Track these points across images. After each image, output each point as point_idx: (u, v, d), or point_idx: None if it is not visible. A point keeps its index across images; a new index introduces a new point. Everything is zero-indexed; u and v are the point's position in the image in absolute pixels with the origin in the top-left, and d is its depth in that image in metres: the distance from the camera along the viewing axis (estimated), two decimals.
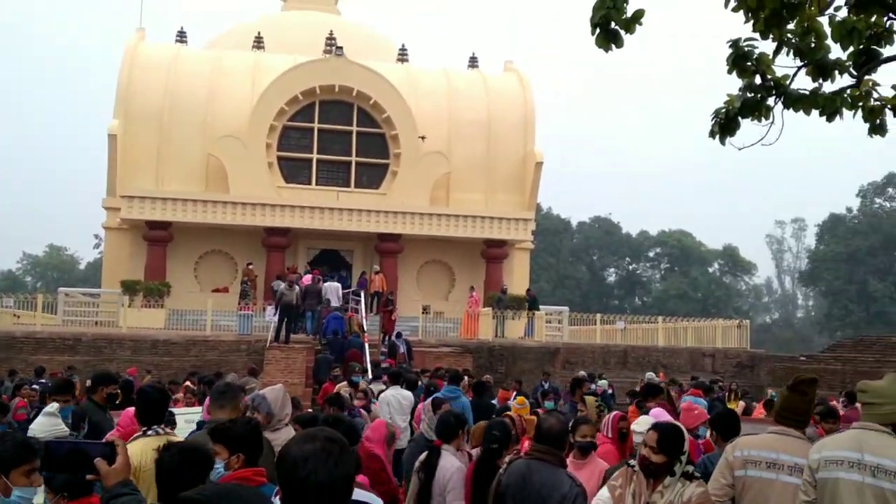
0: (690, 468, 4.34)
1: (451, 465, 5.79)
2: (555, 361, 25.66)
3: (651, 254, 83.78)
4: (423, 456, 6.05)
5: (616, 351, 28.01)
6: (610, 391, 20.44)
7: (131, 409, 5.95)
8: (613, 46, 6.66)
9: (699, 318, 37.39)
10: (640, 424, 6.40)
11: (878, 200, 70.76)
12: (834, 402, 12.17)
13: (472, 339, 26.74)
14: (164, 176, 30.78)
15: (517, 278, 33.16)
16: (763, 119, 7.34)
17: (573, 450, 5.95)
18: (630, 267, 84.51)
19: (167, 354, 23.18)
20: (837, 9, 6.70)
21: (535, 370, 24.08)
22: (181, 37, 34.46)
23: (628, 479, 4.32)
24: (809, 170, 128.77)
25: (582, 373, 19.38)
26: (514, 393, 13.55)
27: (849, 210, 71.19)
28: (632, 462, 4.42)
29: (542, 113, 66.91)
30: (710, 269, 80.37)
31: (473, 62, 35.91)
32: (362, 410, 10.35)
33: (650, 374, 19.35)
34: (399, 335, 22.97)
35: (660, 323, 31.45)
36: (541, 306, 31.35)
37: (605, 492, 4.34)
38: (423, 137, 30.12)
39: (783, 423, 4.75)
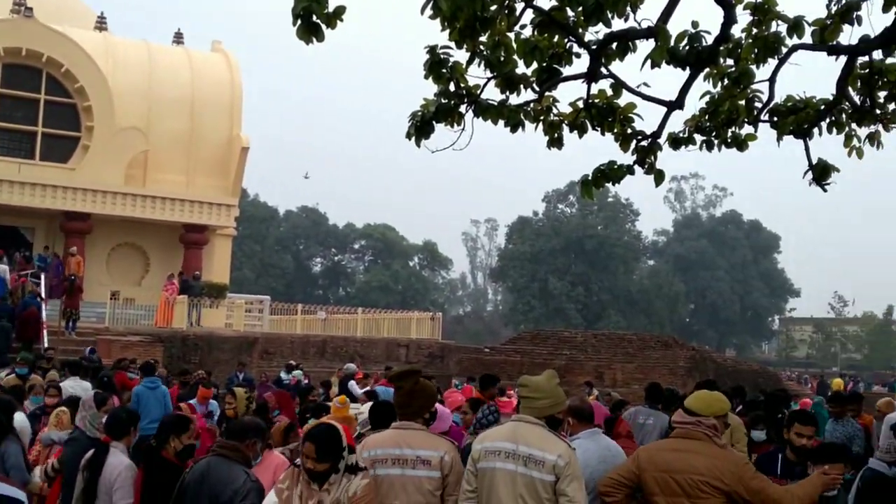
0: (354, 458, 4.36)
1: (120, 462, 5.45)
2: (253, 351, 25.20)
3: (356, 246, 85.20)
4: (89, 454, 5.62)
5: (316, 341, 28.10)
6: (306, 381, 20.46)
7: None
8: (314, 39, 6.60)
9: (398, 309, 38.63)
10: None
11: (560, 206, 77.32)
12: (511, 392, 12.98)
13: (166, 328, 25.54)
14: None
15: (218, 265, 32.15)
16: (456, 125, 7.65)
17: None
18: (336, 258, 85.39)
19: None
20: (523, 27, 7.12)
21: (231, 360, 23.48)
22: None
23: (295, 480, 4.26)
24: (504, 174, 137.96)
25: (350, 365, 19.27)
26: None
27: (535, 214, 77.14)
28: (298, 462, 4.36)
29: (253, 97, 65.44)
30: (411, 263, 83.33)
31: (179, 38, 34.12)
32: None
33: (350, 366, 19.55)
34: None
35: (359, 314, 32.05)
36: (242, 295, 30.66)
37: (272, 496, 4.25)
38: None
39: (403, 418, 4.86)
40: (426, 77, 7.40)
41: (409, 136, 7.65)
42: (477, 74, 7.42)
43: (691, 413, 4.69)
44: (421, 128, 7.62)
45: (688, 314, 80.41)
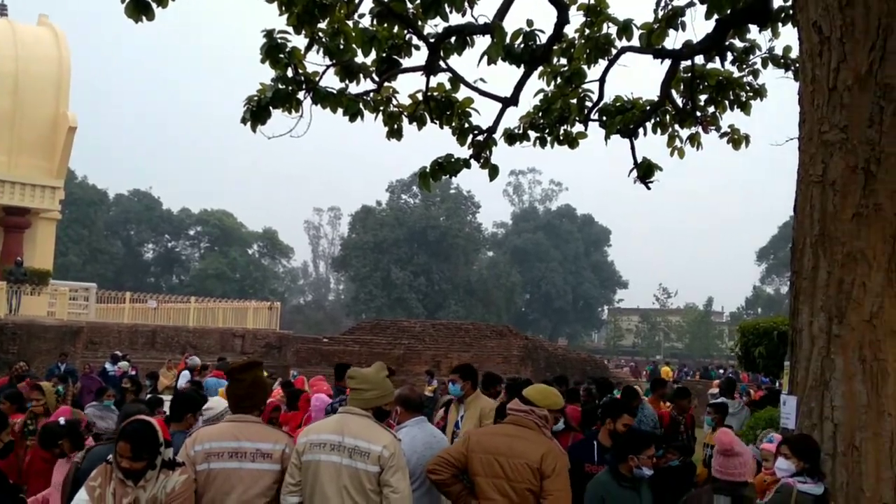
0: (170, 454, 4.23)
1: None
2: (77, 341, 23.95)
3: (192, 232, 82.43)
4: None
5: (145, 331, 27.05)
6: (133, 372, 19.63)
7: None
8: (144, 18, 6.33)
9: (236, 298, 37.72)
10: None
11: (404, 197, 77.77)
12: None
13: None
14: None
15: (41, 250, 30.25)
16: (294, 111, 7.54)
17: None
18: (169, 244, 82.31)
19: None
20: (362, 16, 7.09)
21: (53, 351, 22.22)
22: None
23: (108, 478, 4.08)
24: (348, 163, 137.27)
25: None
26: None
27: (379, 203, 77.22)
28: (110, 458, 4.18)
29: (84, 75, 61.96)
30: (250, 251, 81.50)
31: (2, 10, 31.84)
32: None
33: (194, 358, 18.84)
34: None
35: (192, 303, 31.07)
36: (67, 281, 29.02)
37: (83, 493, 4.05)
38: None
39: (239, 411, 4.73)
40: (263, 61, 7.24)
41: (244, 120, 7.48)
42: (316, 61, 7.36)
43: (527, 402, 4.84)
44: (257, 113, 7.46)
45: (524, 304, 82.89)
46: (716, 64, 8.41)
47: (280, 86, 7.34)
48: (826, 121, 5.59)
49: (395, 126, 8.28)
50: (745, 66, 8.56)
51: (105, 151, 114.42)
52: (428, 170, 7.99)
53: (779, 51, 8.47)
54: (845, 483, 5.49)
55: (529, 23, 7.36)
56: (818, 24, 5.65)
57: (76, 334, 24.10)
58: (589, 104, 8.62)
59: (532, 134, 8.95)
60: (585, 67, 8.33)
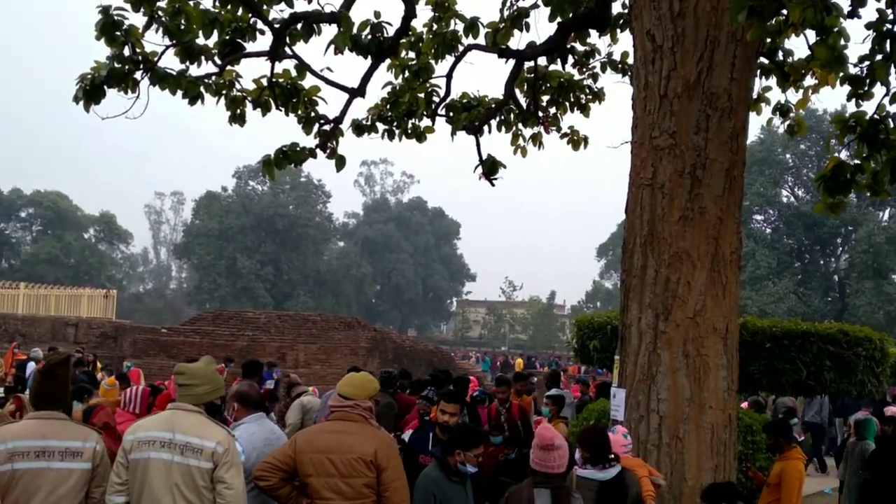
0: None
1: None
2: None
3: (23, 214, 77.54)
4: None
5: None
6: None
7: None
8: None
9: (70, 285, 35.84)
10: None
11: (251, 183, 75.92)
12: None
13: None
14: None
15: None
16: (130, 91, 7.19)
17: None
18: None
19: None
20: None
21: None
22: None
23: None
24: (192, 147, 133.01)
25: None
26: None
27: (224, 189, 75.04)
28: None
29: None
30: (86, 235, 77.56)
31: None
32: None
33: (37, 351, 17.70)
34: None
35: (22, 289, 29.32)
36: None
37: None
38: None
39: (45, 408, 4.48)
40: (98, 38, 6.90)
41: (76, 99, 7.10)
42: (155, 41, 7.07)
43: (346, 398, 4.79)
44: (90, 92, 7.09)
45: (374, 295, 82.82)
46: (558, 66, 8.65)
47: (116, 64, 7.00)
48: (657, 126, 5.84)
49: (238, 111, 8.07)
50: (585, 70, 8.85)
51: None
52: (272, 158, 7.82)
53: (617, 56, 8.81)
54: (669, 472, 5.78)
55: (377, 14, 7.32)
56: (651, 33, 5.90)
57: None
58: (436, 99, 8.69)
59: (380, 126, 8.94)
60: (433, 62, 8.38)
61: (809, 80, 7.76)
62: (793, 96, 8.07)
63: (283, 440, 5.34)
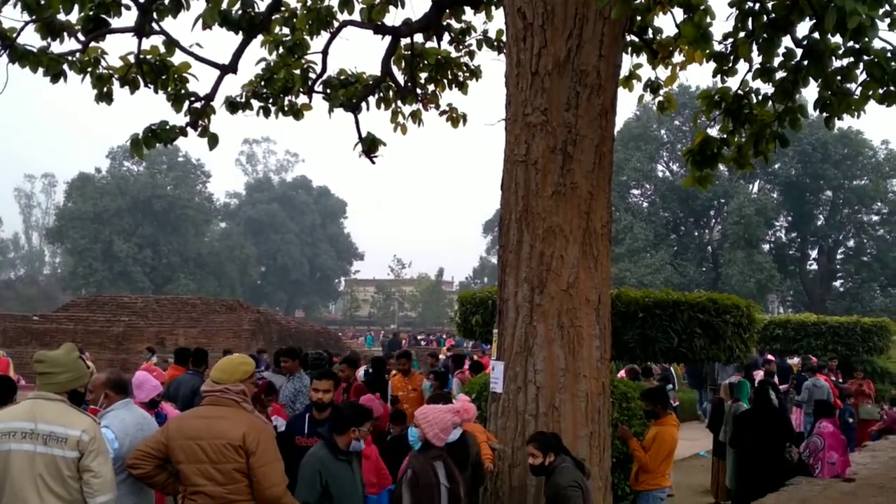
0: None
1: None
2: None
3: None
4: None
5: None
6: None
7: None
8: None
9: None
10: None
11: (126, 164, 73.14)
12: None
13: None
14: None
15: None
16: None
17: None
18: None
19: None
20: None
21: None
22: None
23: None
24: (63, 125, 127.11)
25: None
26: None
27: (98, 170, 72.10)
28: None
29: None
30: None
31: None
32: None
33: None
34: None
35: None
36: None
37: None
38: None
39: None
40: None
41: None
42: (13, 16, 6.75)
43: (217, 383, 4.70)
44: None
45: (259, 277, 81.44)
46: (434, 43, 8.66)
47: None
48: (529, 103, 5.94)
49: (105, 89, 7.76)
50: (461, 47, 8.90)
51: None
52: (140, 137, 7.56)
53: (493, 34, 8.88)
54: None
55: None
56: (522, 10, 5.98)
57: None
58: (313, 76, 8.56)
59: (255, 103, 8.75)
60: (308, 38, 8.25)
61: (678, 58, 8.03)
62: (662, 73, 8.34)
63: (154, 425, 5.23)
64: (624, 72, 7.71)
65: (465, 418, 5.32)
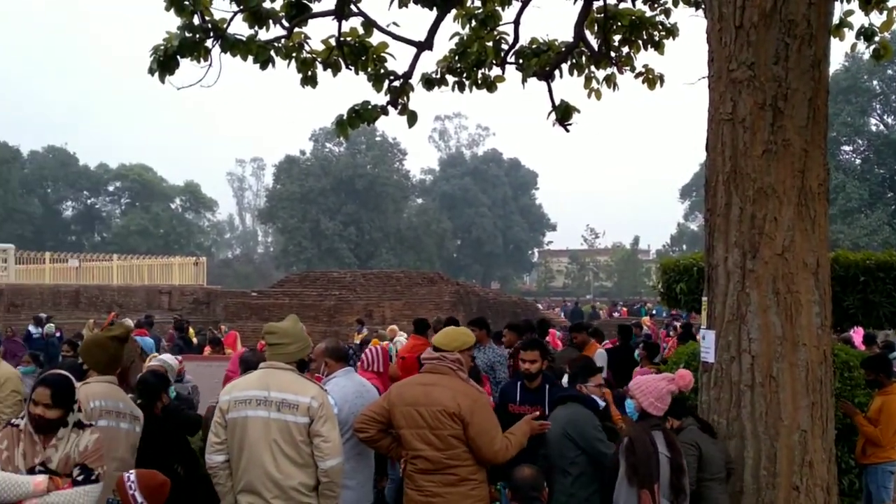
0: (82, 415, 4.17)
1: None
2: None
3: (111, 188, 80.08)
4: None
5: (68, 291, 26.40)
6: (58, 334, 19.18)
7: None
8: None
9: (161, 254, 36.97)
10: None
11: (328, 145, 76.59)
12: None
13: None
14: None
15: None
16: (203, 60, 7.29)
17: None
18: (89, 201, 79.89)
19: None
20: None
21: None
22: None
23: (14, 440, 3.99)
24: (268, 111, 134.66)
25: None
26: None
27: (302, 153, 75.93)
28: (15, 421, 4.10)
29: None
30: (173, 206, 79.68)
31: None
32: None
33: (128, 321, 18.34)
34: None
35: (115, 261, 30.39)
36: None
37: None
38: None
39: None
40: (167, 9, 6.98)
41: (151, 71, 7.21)
42: (223, 8, 7.11)
43: (437, 349, 4.85)
44: (165, 63, 7.20)
45: (455, 250, 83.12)
46: (628, 4, 8.39)
47: (187, 34, 7.07)
48: (734, 59, 5.61)
49: (310, 73, 8.07)
50: (656, 6, 8.56)
51: (15, 107, 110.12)
52: (345, 117, 7.83)
53: None
54: (764, 412, 5.65)
55: None
56: None
57: None
58: (505, 47, 8.53)
59: (450, 78, 8.83)
60: (500, 9, 8.22)
61: (894, 1, 7.38)
62: (877, 19, 7.69)
63: (373, 392, 5.46)
64: (834, 20, 7.16)
65: (680, 386, 5.18)
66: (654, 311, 38.71)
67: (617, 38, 8.78)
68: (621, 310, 45.33)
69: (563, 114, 8.66)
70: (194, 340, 17.68)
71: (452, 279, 30.64)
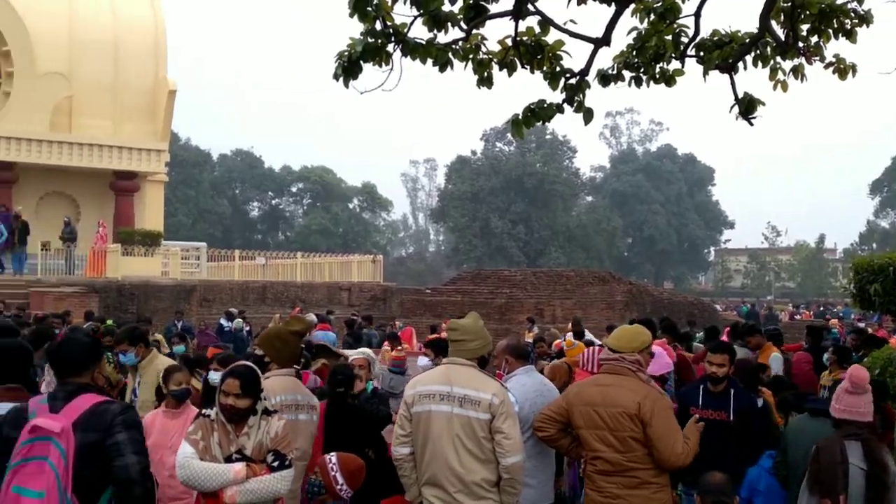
0: (268, 404, 4.39)
1: None
2: (191, 299, 24.89)
3: (294, 189, 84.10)
4: None
5: (255, 287, 27.89)
6: (247, 328, 20.33)
7: None
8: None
9: (339, 252, 38.48)
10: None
11: (498, 145, 77.16)
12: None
13: (100, 278, 25.04)
14: None
15: (151, 212, 31.52)
16: (384, 65, 7.52)
17: (166, 399, 5.76)
18: (273, 201, 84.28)
19: None
20: None
21: (169, 309, 23.19)
22: None
23: (209, 430, 4.23)
24: (440, 112, 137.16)
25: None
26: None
27: (473, 153, 76.84)
28: (206, 412, 4.34)
29: (183, 40, 63.47)
30: (351, 206, 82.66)
31: None
32: None
33: (311, 316, 19.26)
34: None
35: (299, 258, 31.85)
36: (178, 242, 30.14)
37: (187, 447, 4.19)
38: None
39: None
40: (351, 16, 7.21)
41: (336, 76, 7.49)
42: (403, 13, 7.28)
43: (614, 351, 4.79)
44: (348, 68, 7.46)
45: (626, 248, 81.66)
46: None
47: (369, 39, 7.31)
48: None
49: (486, 74, 8.14)
50: None
51: (206, 112, 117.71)
52: (520, 117, 7.85)
53: None
54: None
55: None
56: None
57: (190, 293, 25.04)
58: (685, 40, 8.27)
59: (627, 74, 8.67)
60: (679, 2, 7.98)
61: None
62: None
63: (553, 391, 5.45)
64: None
65: (854, 382, 4.85)
66: (841, 314, 36.49)
67: (805, 27, 8.34)
68: (803, 312, 43.01)
69: (747, 107, 8.32)
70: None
71: (625, 278, 30.13)
